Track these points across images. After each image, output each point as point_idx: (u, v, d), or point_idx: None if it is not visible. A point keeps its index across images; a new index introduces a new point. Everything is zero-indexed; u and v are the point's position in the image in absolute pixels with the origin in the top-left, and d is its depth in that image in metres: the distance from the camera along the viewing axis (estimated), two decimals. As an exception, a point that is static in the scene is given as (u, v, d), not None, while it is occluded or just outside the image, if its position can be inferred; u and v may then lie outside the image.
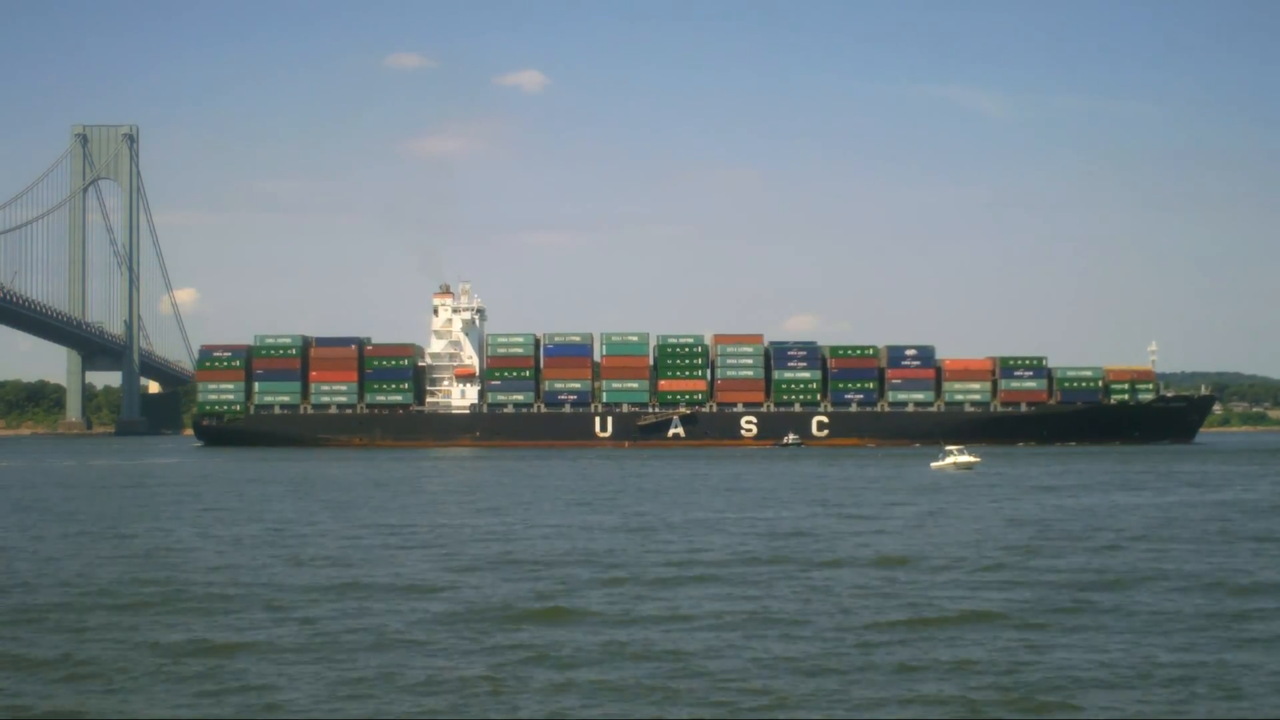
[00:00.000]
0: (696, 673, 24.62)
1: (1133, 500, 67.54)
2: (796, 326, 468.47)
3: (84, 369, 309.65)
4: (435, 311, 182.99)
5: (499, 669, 25.07)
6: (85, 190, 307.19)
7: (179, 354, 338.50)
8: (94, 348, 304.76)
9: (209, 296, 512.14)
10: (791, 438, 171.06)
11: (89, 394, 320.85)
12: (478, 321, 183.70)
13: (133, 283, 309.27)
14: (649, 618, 30.43)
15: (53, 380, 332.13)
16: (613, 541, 47.13)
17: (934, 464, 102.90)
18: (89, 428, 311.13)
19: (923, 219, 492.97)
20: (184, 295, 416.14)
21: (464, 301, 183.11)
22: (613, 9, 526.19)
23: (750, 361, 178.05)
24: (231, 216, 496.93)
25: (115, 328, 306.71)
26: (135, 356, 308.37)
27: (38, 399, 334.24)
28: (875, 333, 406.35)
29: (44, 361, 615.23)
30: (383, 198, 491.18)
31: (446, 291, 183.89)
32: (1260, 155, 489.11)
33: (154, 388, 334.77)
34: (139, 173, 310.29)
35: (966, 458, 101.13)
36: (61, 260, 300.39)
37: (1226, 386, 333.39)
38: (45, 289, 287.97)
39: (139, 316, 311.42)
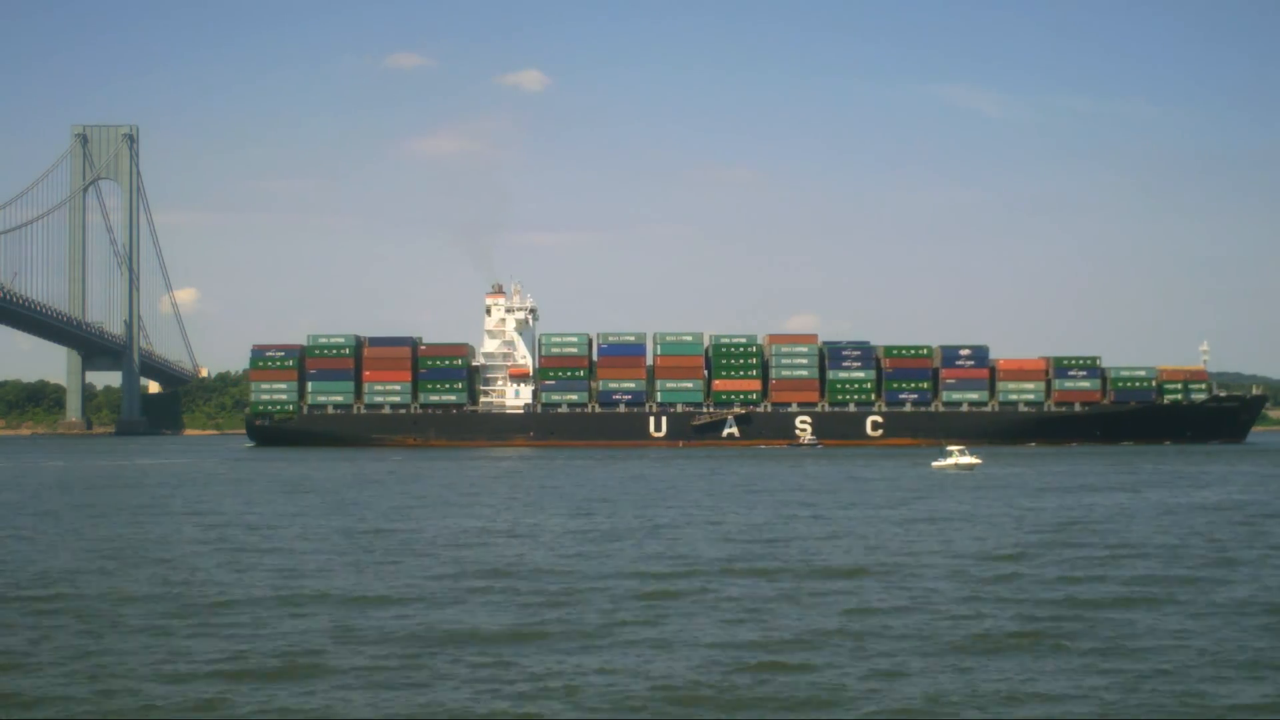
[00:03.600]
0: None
1: (1115, 501, 68.93)
2: (797, 326, 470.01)
3: (84, 369, 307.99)
4: (488, 311, 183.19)
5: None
6: (85, 190, 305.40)
7: (179, 354, 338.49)
8: (94, 348, 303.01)
9: (209, 296, 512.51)
10: (809, 437, 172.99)
11: (89, 394, 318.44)
12: (531, 321, 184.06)
13: (133, 283, 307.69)
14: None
15: (53, 380, 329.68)
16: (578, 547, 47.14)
17: (935, 463, 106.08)
18: (89, 428, 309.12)
19: (923, 219, 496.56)
20: (184, 295, 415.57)
21: (517, 301, 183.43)
22: (614, 8, 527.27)
23: (804, 361, 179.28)
24: (231, 216, 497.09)
25: (115, 328, 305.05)
26: (135, 356, 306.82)
27: (38, 399, 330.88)
28: (875, 332, 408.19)
29: (44, 361, 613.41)
30: (387, 197, 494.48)
31: (499, 291, 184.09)
32: (1260, 156, 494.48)
33: (154, 388, 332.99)
34: (139, 173, 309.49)
35: (968, 458, 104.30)
36: (61, 260, 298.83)
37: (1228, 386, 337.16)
38: (45, 289, 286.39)
39: (139, 316, 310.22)
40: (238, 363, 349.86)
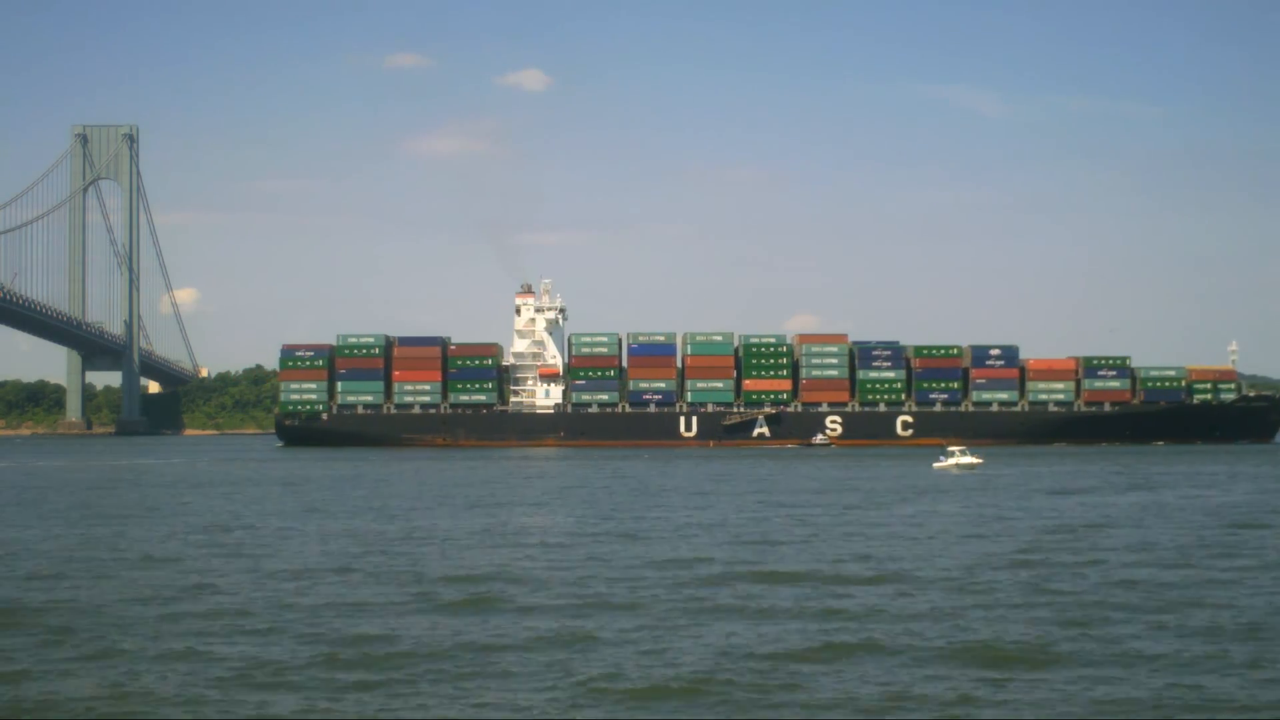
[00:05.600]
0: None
1: (1113, 501, 69.01)
2: (797, 326, 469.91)
3: (84, 369, 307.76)
4: (518, 311, 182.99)
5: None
6: (85, 190, 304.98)
7: (179, 354, 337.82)
8: (94, 348, 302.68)
9: (209, 296, 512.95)
10: (820, 438, 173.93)
11: (89, 394, 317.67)
12: (560, 321, 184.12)
13: (133, 283, 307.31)
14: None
15: (53, 380, 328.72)
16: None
17: (936, 464, 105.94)
18: (89, 428, 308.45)
19: (922, 219, 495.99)
20: (184, 295, 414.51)
21: (546, 301, 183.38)
22: (615, 8, 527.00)
23: (835, 361, 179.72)
24: (231, 216, 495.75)
25: (115, 328, 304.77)
26: (135, 356, 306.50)
27: (38, 399, 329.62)
28: (876, 331, 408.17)
29: (44, 361, 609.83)
30: (388, 197, 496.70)
31: (528, 291, 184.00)
32: (1262, 155, 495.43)
33: (154, 388, 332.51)
34: (139, 173, 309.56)
35: (969, 459, 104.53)
36: (61, 260, 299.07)
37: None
38: (45, 289, 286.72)
39: (139, 316, 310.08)
40: (238, 363, 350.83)
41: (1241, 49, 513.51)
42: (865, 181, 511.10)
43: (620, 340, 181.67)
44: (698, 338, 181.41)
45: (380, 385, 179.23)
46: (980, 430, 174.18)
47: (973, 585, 37.11)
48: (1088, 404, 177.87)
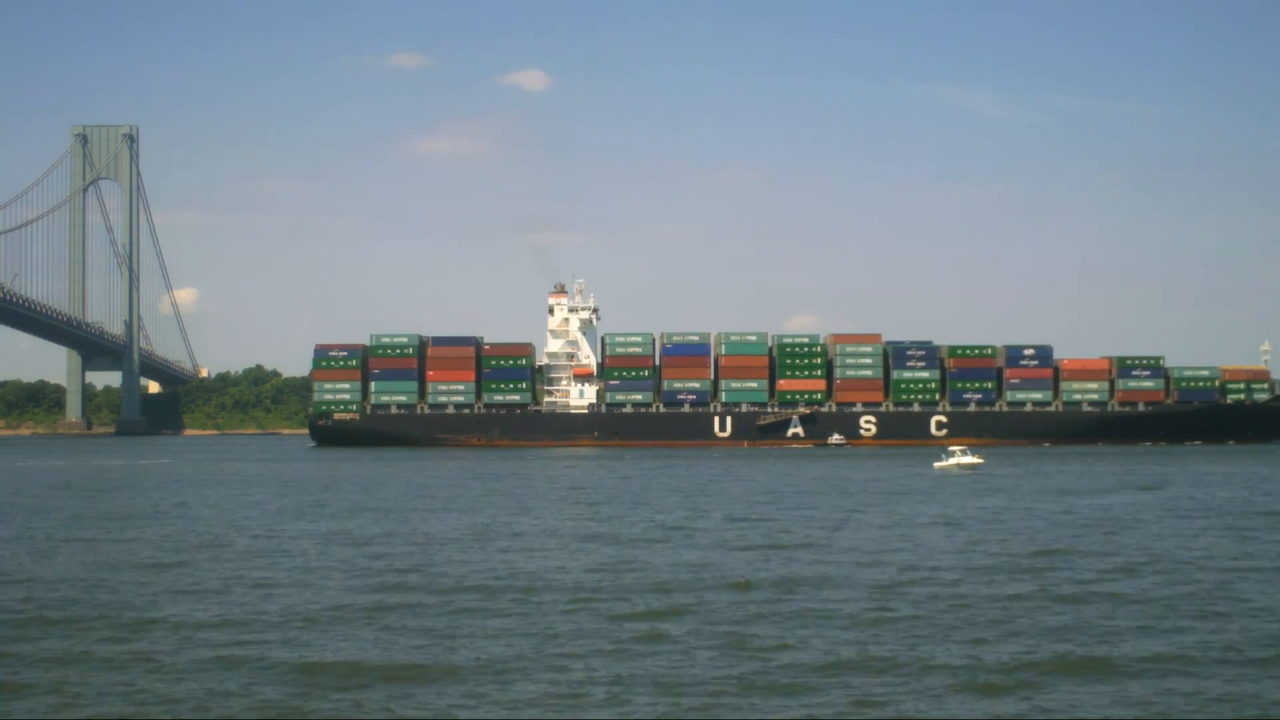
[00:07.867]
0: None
1: (1114, 503, 68.13)
2: (798, 326, 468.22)
3: (84, 369, 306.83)
4: (551, 311, 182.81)
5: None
6: (85, 190, 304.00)
7: (179, 354, 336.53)
8: (94, 348, 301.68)
9: (209, 296, 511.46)
10: (836, 438, 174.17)
11: (89, 394, 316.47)
12: (594, 321, 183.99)
13: (133, 283, 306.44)
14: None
15: (53, 380, 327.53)
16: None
17: (936, 464, 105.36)
18: (89, 428, 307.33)
19: (922, 219, 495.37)
20: (184, 295, 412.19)
21: (580, 301, 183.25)
22: (616, 8, 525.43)
23: (869, 361, 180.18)
24: (231, 216, 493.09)
25: (115, 328, 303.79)
26: (135, 356, 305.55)
27: (38, 399, 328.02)
28: (880, 330, 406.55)
29: (44, 361, 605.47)
30: (387, 197, 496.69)
31: (561, 291, 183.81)
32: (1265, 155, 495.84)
33: (154, 388, 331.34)
34: (139, 173, 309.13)
35: (970, 458, 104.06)
36: (61, 260, 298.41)
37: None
38: (45, 289, 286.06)
39: (139, 316, 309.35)
40: (238, 363, 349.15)
41: (1242, 49, 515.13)
42: (863, 182, 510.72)
43: (654, 340, 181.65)
44: (732, 338, 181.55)
45: (414, 385, 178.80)
46: (1014, 430, 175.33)
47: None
48: (1121, 404, 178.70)
